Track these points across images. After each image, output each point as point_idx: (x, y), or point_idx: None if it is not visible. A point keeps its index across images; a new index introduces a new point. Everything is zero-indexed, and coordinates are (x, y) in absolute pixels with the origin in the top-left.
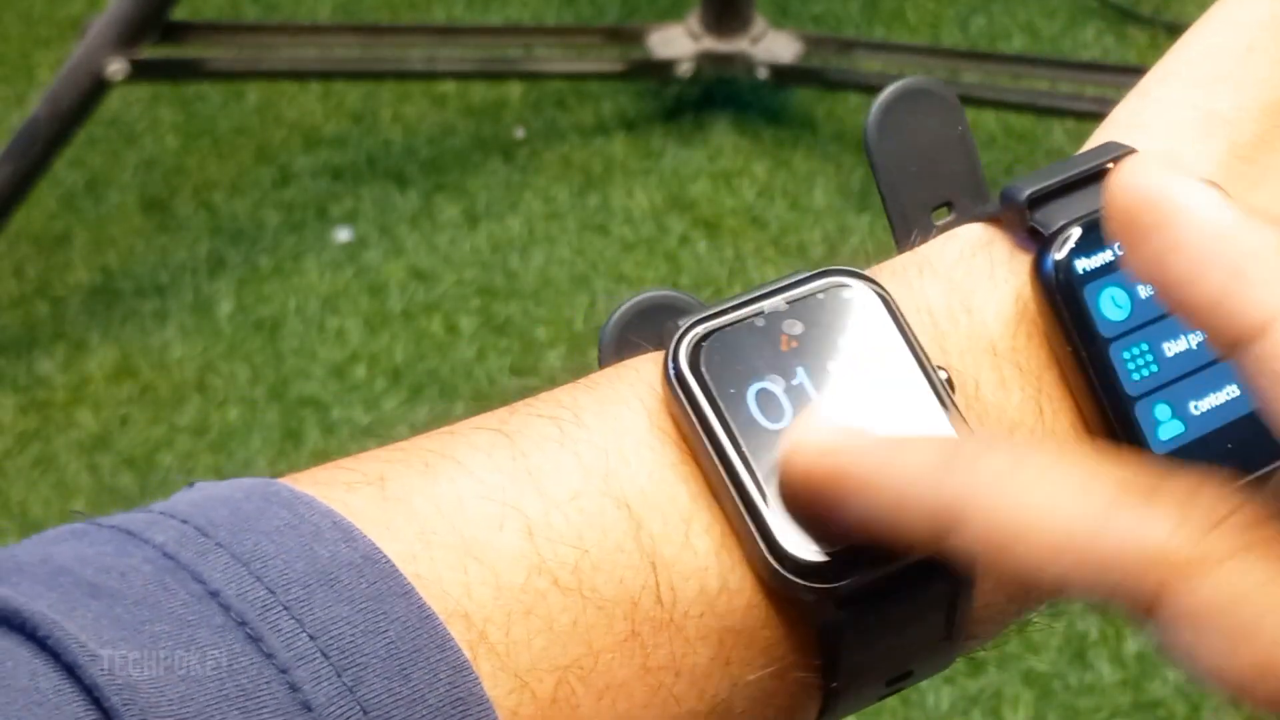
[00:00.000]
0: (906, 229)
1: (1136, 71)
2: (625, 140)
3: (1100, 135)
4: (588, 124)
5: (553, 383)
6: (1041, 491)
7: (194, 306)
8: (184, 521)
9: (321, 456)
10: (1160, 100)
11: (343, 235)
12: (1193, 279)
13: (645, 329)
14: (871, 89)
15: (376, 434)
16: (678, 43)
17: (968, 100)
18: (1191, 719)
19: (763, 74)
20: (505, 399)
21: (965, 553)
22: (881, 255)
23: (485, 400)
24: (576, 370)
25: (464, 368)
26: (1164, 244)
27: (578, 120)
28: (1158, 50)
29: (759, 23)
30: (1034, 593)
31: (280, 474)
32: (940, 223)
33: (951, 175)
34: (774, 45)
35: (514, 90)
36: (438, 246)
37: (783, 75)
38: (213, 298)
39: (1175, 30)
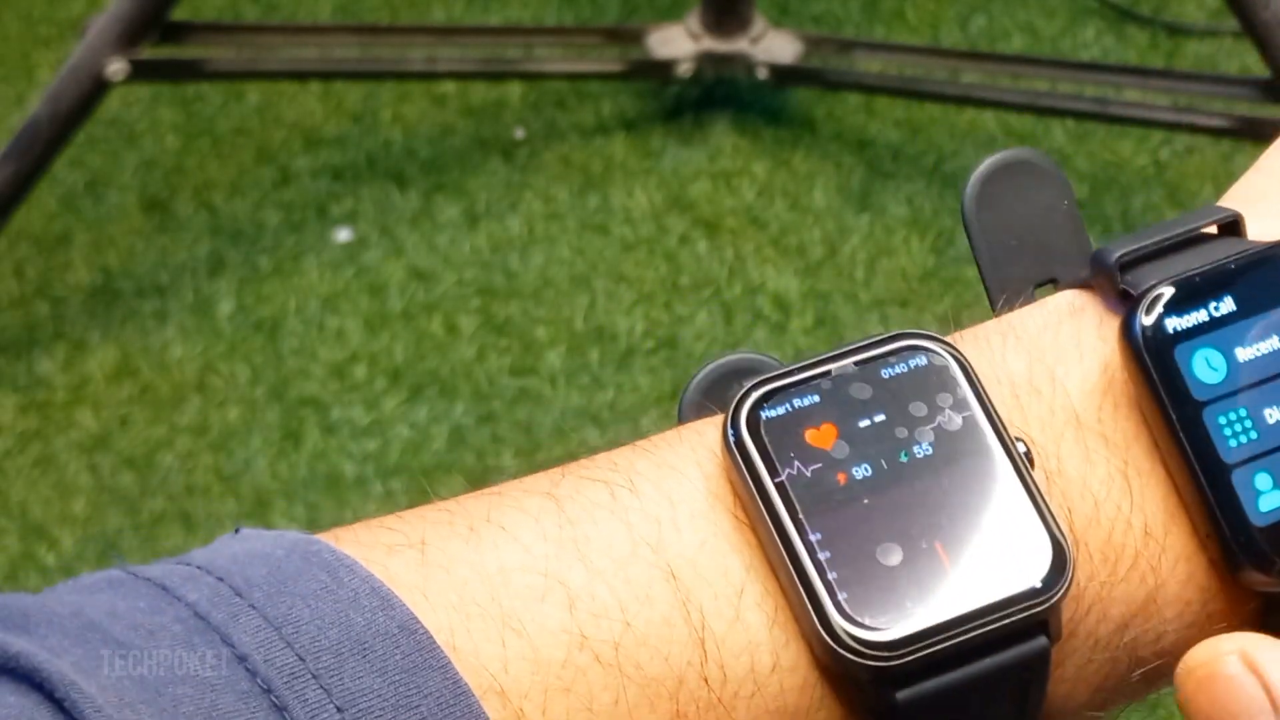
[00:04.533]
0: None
1: (1137, 72)
2: (625, 140)
3: None
4: (588, 124)
5: (553, 383)
6: None
7: (194, 306)
8: (220, 579)
9: (321, 456)
10: (1276, 172)
11: (343, 235)
12: None
13: (725, 392)
14: (872, 89)
15: (376, 434)
16: (677, 43)
17: (967, 100)
18: None
19: (763, 74)
20: (505, 399)
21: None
22: (881, 257)
23: (485, 400)
24: (575, 370)
25: (464, 368)
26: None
27: (578, 120)
28: (1157, 50)
29: (759, 23)
30: (1125, 688)
31: (280, 474)
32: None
33: (1058, 251)
34: (774, 45)
35: (514, 90)
36: (438, 246)
37: (783, 75)
38: (213, 298)
39: (1175, 30)
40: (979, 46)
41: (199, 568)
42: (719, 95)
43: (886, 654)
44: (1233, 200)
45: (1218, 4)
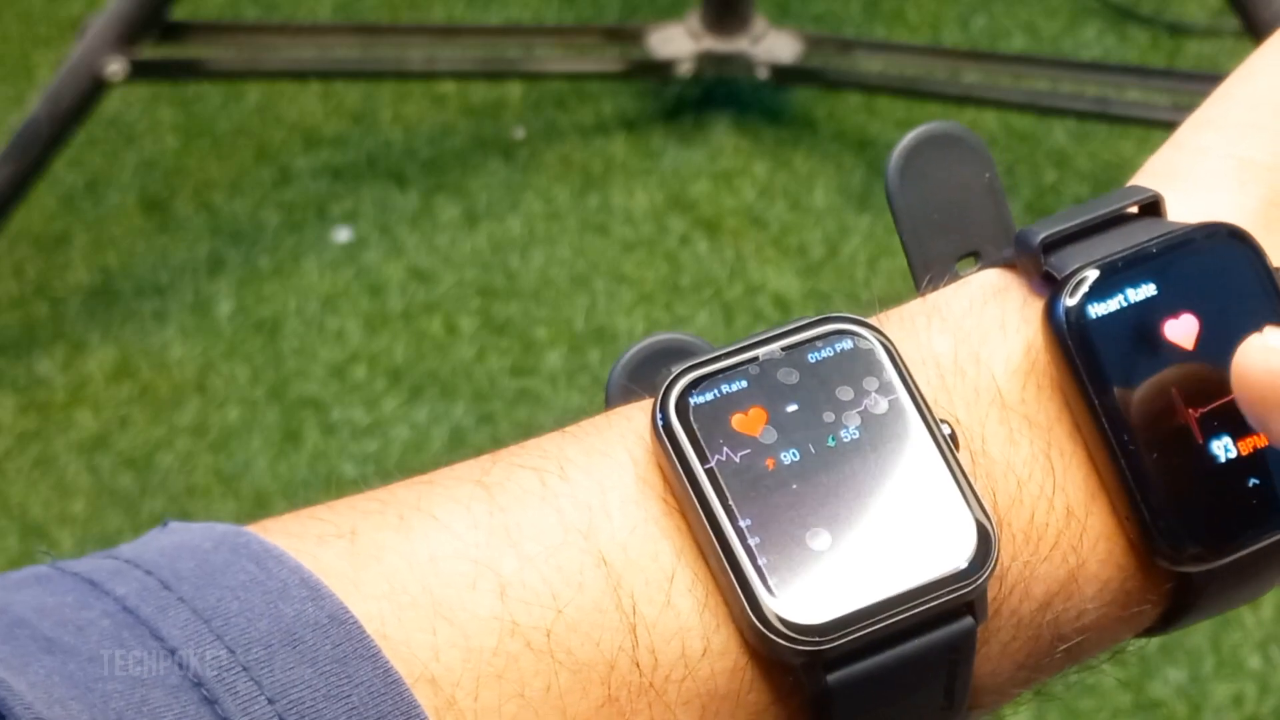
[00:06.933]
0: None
1: (1137, 71)
2: (625, 140)
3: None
4: (588, 124)
5: (553, 383)
6: None
7: (194, 306)
8: (148, 573)
9: (321, 457)
10: (1195, 149)
11: (343, 235)
12: None
13: (651, 374)
14: (872, 88)
15: (376, 435)
16: (678, 43)
17: (968, 100)
18: (1192, 719)
19: (763, 74)
20: (505, 399)
21: None
22: (882, 257)
23: (485, 400)
24: (575, 370)
25: (464, 368)
26: None
27: (578, 120)
28: (1158, 50)
29: (759, 22)
30: (1047, 664)
31: (280, 475)
32: (965, 274)
33: (978, 225)
34: (774, 45)
35: (514, 90)
36: (438, 246)
37: (783, 75)
38: (213, 298)
39: (1176, 30)
40: (980, 46)
41: (127, 561)
42: (719, 95)
43: (817, 638)
44: (1152, 176)
45: (1219, 4)
